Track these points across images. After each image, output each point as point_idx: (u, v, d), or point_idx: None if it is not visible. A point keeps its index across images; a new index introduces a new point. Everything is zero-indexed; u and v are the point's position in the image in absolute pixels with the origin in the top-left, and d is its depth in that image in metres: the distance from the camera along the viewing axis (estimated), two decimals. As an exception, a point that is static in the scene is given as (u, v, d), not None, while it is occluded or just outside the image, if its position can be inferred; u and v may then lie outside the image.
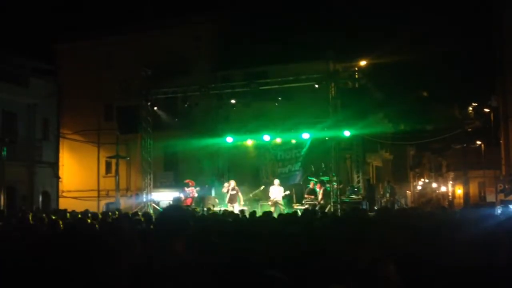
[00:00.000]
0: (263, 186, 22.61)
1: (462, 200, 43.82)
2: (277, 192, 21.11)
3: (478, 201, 42.85)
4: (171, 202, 22.25)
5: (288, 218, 9.13)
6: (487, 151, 41.02)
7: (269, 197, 21.23)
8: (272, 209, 19.05)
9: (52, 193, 30.47)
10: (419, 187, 66.85)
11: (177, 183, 28.23)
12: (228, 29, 31.04)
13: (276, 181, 21.60)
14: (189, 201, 21.57)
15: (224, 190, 21.47)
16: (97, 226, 7.70)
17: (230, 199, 20.92)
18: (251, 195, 22.40)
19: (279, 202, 20.80)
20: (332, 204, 20.40)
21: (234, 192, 21.02)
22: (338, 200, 20.77)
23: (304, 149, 23.39)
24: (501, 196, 30.67)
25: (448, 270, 4.00)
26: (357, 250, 3.96)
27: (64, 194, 31.97)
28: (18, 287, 3.47)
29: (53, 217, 9.70)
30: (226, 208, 18.78)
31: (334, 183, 21.11)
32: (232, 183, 21.34)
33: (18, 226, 7.83)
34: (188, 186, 22.31)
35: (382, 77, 32.93)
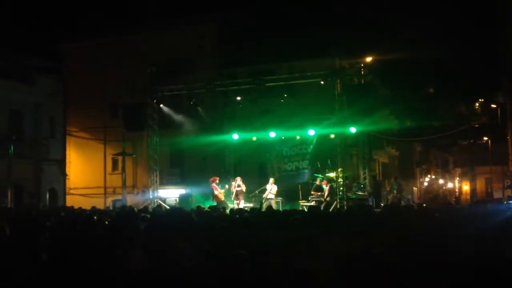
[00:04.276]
0: (269, 183, 22.64)
1: (469, 196, 43.62)
2: (269, 189, 21.24)
3: (485, 197, 42.65)
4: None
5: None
6: (494, 147, 40.81)
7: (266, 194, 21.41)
8: (264, 205, 19.23)
9: (59, 190, 30.59)
10: (425, 184, 66.60)
11: (183, 180, 28.28)
12: (234, 27, 30.99)
13: (271, 180, 21.70)
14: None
15: (232, 187, 21.51)
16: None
17: (236, 196, 21.04)
18: (257, 191, 22.44)
19: (270, 198, 20.89)
20: (338, 200, 20.39)
21: (239, 189, 21.10)
22: (345, 196, 20.75)
23: (311, 146, 23.35)
24: (508, 192, 30.56)
25: (456, 266, 4.00)
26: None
27: (71, 191, 32.11)
28: None
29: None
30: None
31: (341, 180, 21.09)
32: (238, 179, 21.42)
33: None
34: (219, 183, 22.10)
35: (388, 74, 32.82)
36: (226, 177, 24.72)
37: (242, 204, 20.30)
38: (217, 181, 21.93)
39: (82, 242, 5.19)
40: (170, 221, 7.15)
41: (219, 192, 21.40)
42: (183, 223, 6.89)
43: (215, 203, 20.46)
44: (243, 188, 21.30)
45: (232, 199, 21.12)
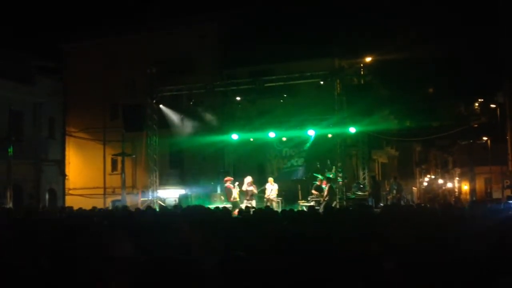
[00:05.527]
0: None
1: (468, 196, 43.65)
2: (270, 189, 21.17)
3: (484, 197, 42.65)
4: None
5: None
6: (494, 147, 40.81)
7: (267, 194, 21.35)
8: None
9: (58, 190, 30.60)
10: (425, 184, 66.58)
11: (183, 180, 28.26)
12: (233, 27, 31.00)
13: (270, 179, 21.65)
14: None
15: (244, 187, 21.41)
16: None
17: (248, 196, 21.02)
18: (256, 191, 22.44)
19: (272, 199, 20.86)
20: (337, 200, 20.39)
21: (250, 188, 21.05)
22: (344, 196, 20.75)
23: (307, 145, 23.41)
24: (508, 192, 30.59)
25: (453, 265, 4.00)
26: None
27: (70, 191, 32.09)
28: None
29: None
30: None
31: (340, 180, 21.09)
32: (249, 179, 21.36)
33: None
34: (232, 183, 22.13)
35: (388, 74, 32.84)
36: (225, 177, 24.69)
37: (254, 204, 20.26)
38: (232, 181, 21.95)
39: (82, 241, 5.19)
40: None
41: (237, 192, 21.44)
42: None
43: (229, 203, 20.53)
44: (255, 189, 21.25)
45: (246, 199, 21.04)
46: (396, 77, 35.06)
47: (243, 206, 19.29)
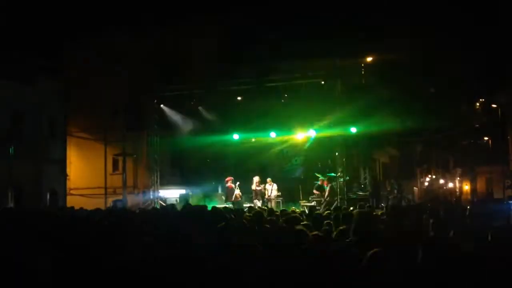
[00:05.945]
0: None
1: (469, 196, 43.60)
2: (269, 189, 21.26)
3: (485, 197, 42.58)
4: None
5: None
6: (495, 147, 40.73)
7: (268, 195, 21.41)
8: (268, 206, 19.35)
9: (59, 190, 30.55)
10: (426, 183, 66.46)
11: (184, 180, 28.27)
12: (234, 26, 30.98)
13: (269, 179, 21.73)
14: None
15: (253, 186, 21.51)
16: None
17: (256, 195, 21.11)
18: (264, 190, 22.50)
19: (272, 199, 20.93)
20: (338, 200, 20.40)
21: (259, 188, 21.13)
22: (345, 196, 20.76)
23: (308, 144, 23.46)
24: (509, 192, 30.54)
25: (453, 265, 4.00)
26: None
27: (71, 191, 32.07)
28: None
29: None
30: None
31: (341, 180, 21.11)
32: (257, 178, 21.42)
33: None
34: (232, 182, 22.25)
35: (389, 74, 32.78)
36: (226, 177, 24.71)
37: (258, 204, 20.35)
38: (232, 181, 22.00)
39: (86, 238, 5.21)
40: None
41: (239, 192, 21.53)
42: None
43: (230, 203, 20.59)
44: (263, 189, 21.36)
45: (257, 198, 21.16)
46: (396, 77, 35.01)
47: (246, 205, 19.38)
